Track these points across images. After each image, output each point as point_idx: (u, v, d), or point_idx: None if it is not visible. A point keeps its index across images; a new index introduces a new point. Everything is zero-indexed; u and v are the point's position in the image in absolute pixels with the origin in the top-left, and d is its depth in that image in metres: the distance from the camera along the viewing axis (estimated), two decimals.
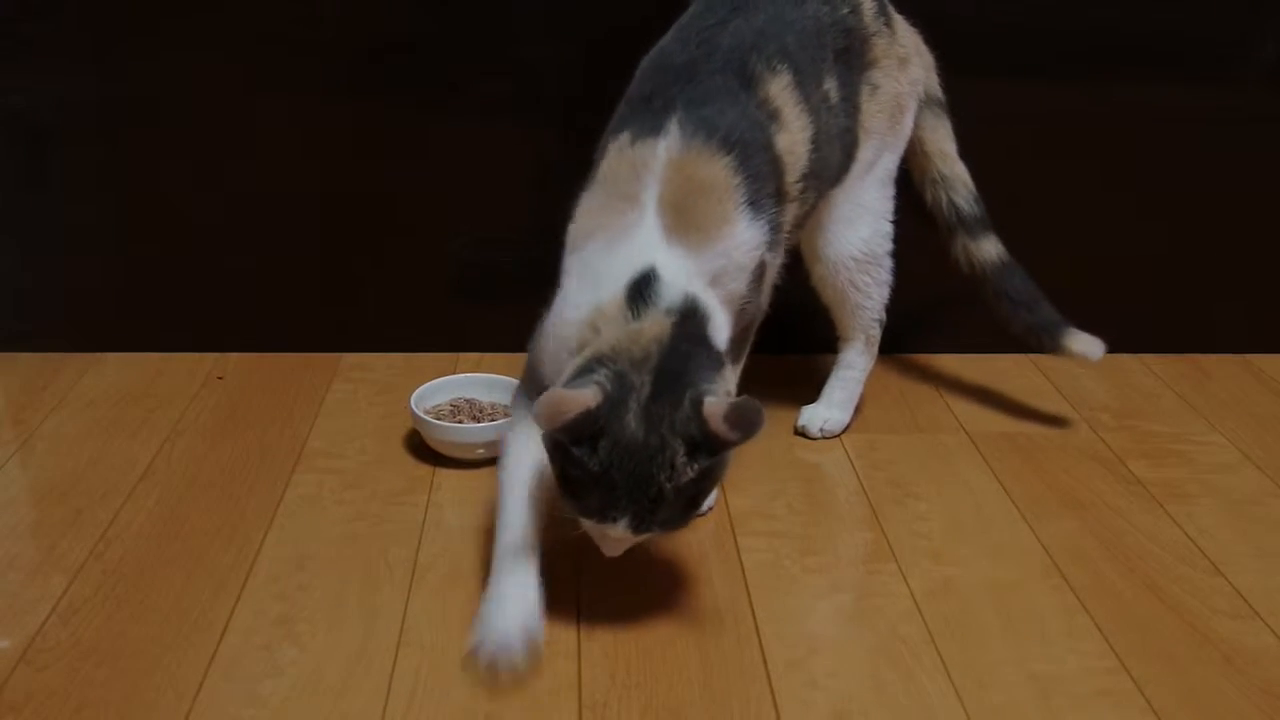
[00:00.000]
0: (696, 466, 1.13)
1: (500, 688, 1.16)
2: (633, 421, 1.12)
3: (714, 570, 1.34)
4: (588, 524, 1.18)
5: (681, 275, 1.22)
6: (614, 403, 1.12)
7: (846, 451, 1.63)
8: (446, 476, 1.54)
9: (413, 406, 1.57)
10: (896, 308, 1.62)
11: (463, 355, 1.85)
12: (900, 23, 1.55)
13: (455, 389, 1.65)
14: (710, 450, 1.14)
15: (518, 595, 1.21)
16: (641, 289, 1.19)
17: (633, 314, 1.19)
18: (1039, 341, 1.66)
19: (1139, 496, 1.54)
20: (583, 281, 1.25)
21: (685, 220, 1.25)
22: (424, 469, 1.56)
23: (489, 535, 1.41)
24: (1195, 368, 1.89)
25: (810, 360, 1.78)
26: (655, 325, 1.17)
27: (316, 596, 1.30)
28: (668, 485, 1.13)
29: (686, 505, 1.17)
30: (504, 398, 1.63)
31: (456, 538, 1.41)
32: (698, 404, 1.13)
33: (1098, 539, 1.44)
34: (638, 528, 1.15)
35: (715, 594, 1.32)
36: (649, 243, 1.23)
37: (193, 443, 1.61)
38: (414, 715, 1.13)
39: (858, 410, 1.69)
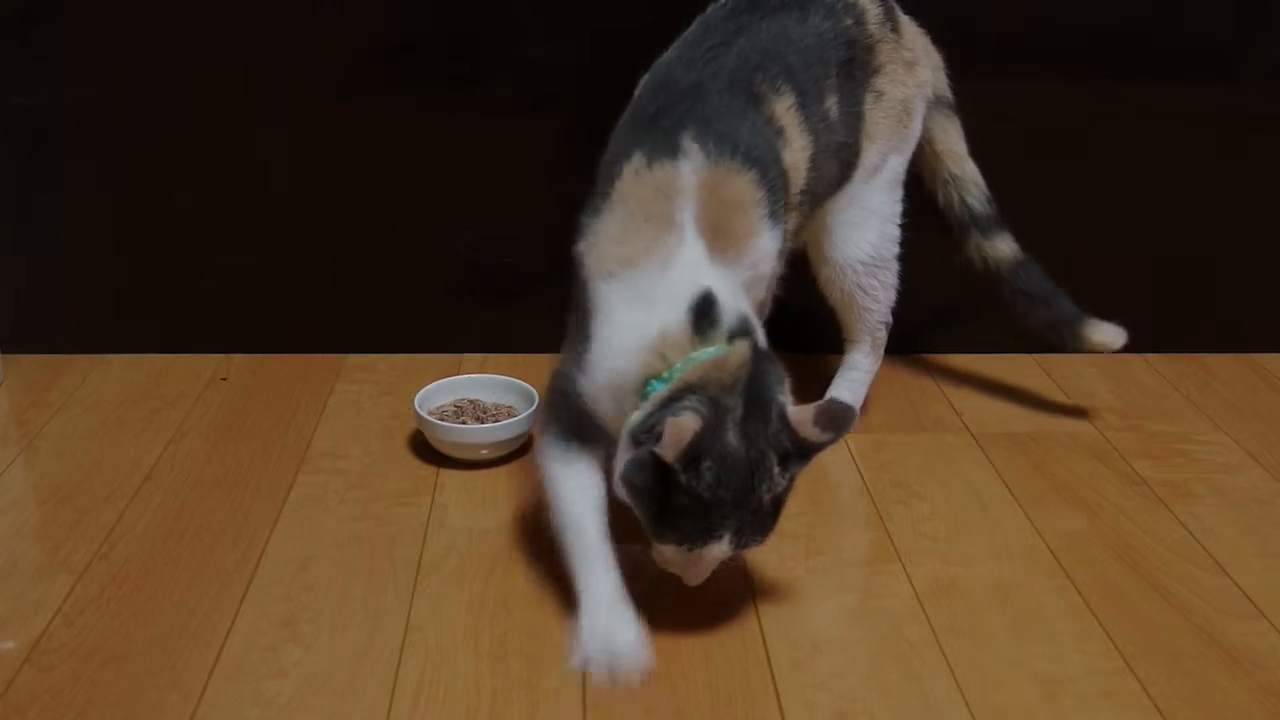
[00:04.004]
0: (789, 474, 1.18)
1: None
2: (733, 439, 1.15)
3: (718, 571, 1.34)
4: (679, 553, 1.19)
5: (731, 295, 1.24)
6: (712, 425, 1.14)
7: (851, 452, 1.63)
8: (450, 477, 1.54)
9: (416, 407, 1.57)
10: (901, 307, 1.62)
11: (466, 356, 1.85)
12: (907, 25, 1.54)
13: (459, 390, 1.65)
14: (802, 456, 1.18)
15: (614, 616, 1.22)
16: (704, 312, 1.21)
17: (699, 338, 1.20)
18: (1059, 336, 1.65)
19: (1144, 496, 1.54)
20: (629, 312, 1.24)
21: (722, 238, 1.26)
22: (428, 470, 1.56)
23: (493, 535, 1.42)
24: (1200, 367, 1.89)
25: (816, 361, 1.78)
26: (738, 352, 1.19)
27: (321, 597, 1.30)
28: (766, 496, 1.17)
29: (775, 513, 1.20)
30: (507, 399, 1.64)
31: (461, 538, 1.41)
32: (783, 415, 1.18)
33: (1102, 539, 1.44)
34: (739, 543, 1.18)
35: (719, 594, 1.32)
36: (697, 265, 1.24)
37: (197, 444, 1.61)
38: (419, 715, 1.14)
39: (862, 410, 1.69)
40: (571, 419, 1.29)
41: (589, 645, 1.20)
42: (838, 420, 1.18)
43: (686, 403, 1.14)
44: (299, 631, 1.25)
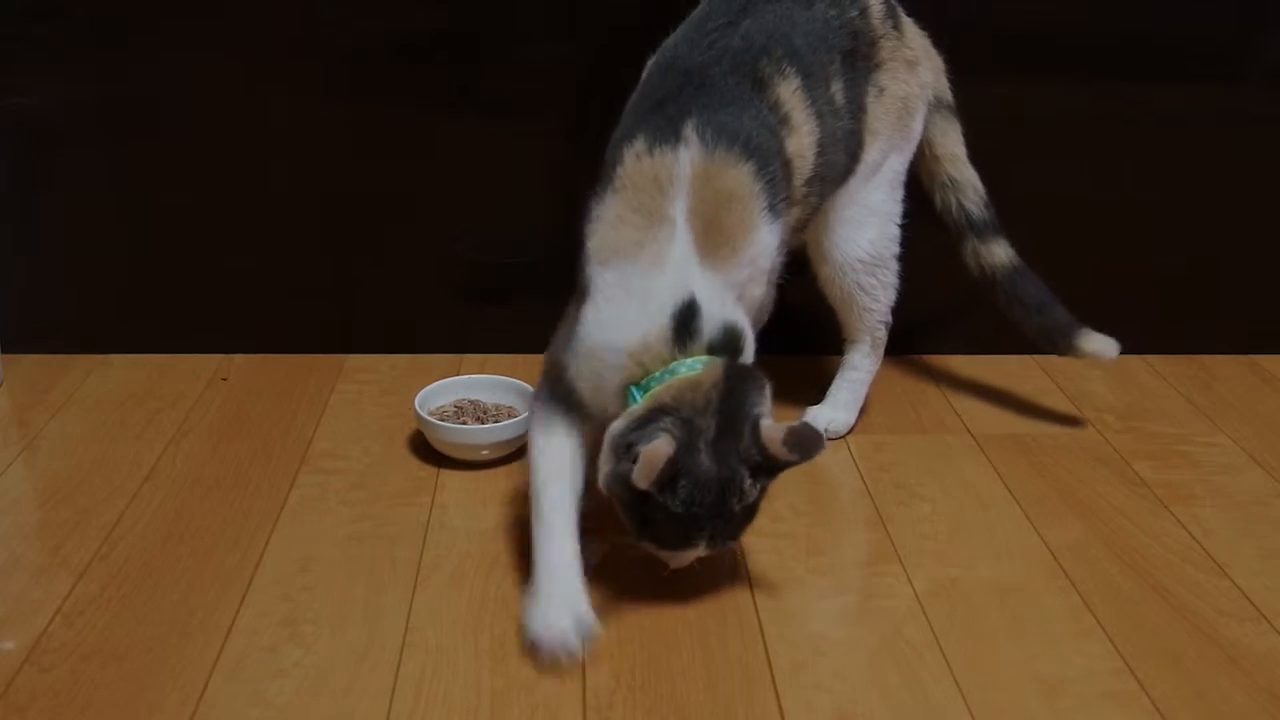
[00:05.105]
0: (759, 486, 1.23)
1: (562, 672, 1.20)
2: (705, 459, 1.19)
3: (718, 572, 1.34)
4: (662, 551, 1.27)
5: (717, 302, 1.26)
6: (686, 446, 1.18)
7: (851, 453, 1.63)
8: (450, 477, 1.54)
9: (417, 408, 1.57)
10: (901, 308, 1.62)
11: (467, 356, 1.85)
12: (909, 25, 1.55)
13: (459, 390, 1.65)
14: (770, 471, 1.23)
15: (564, 587, 1.25)
16: (685, 322, 1.23)
17: (678, 348, 1.23)
18: (1052, 344, 1.65)
19: (1144, 498, 1.54)
20: (617, 305, 1.26)
21: (715, 235, 1.27)
22: (428, 470, 1.56)
23: (493, 535, 1.42)
24: (1200, 369, 1.89)
25: (815, 361, 1.78)
26: (710, 372, 1.22)
27: (321, 597, 1.30)
28: (738, 507, 1.23)
29: (749, 517, 1.26)
30: (508, 399, 1.64)
31: (461, 538, 1.41)
32: (755, 430, 1.21)
33: (1102, 540, 1.44)
34: (713, 546, 1.25)
35: (720, 595, 1.32)
36: (686, 268, 1.25)
37: (198, 444, 1.61)
38: (419, 716, 1.13)
39: (862, 411, 1.69)
40: (559, 390, 1.33)
41: (536, 619, 1.22)
42: (805, 444, 1.21)
43: (661, 425, 1.19)
44: (299, 631, 1.25)
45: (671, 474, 1.17)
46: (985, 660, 1.23)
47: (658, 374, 1.23)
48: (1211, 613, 1.31)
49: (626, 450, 1.19)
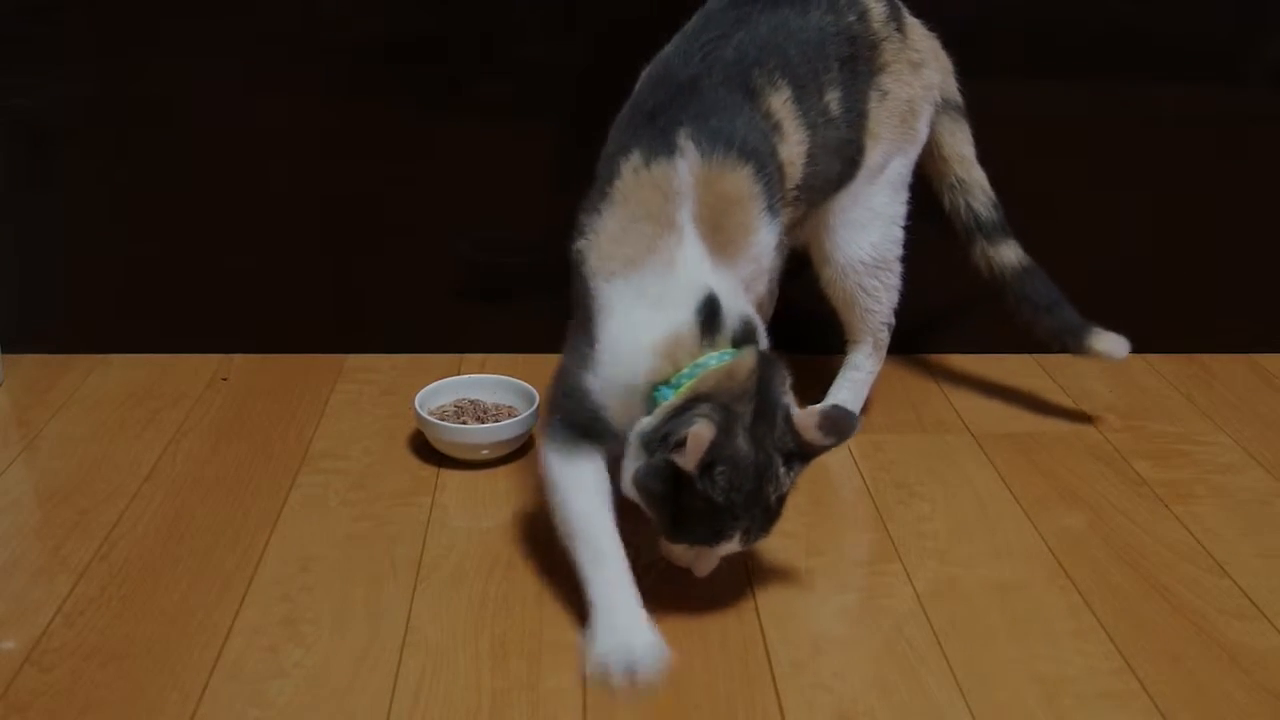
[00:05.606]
0: (793, 475, 1.23)
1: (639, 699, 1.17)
2: (744, 445, 1.18)
3: (718, 571, 1.34)
4: (689, 549, 1.25)
5: (732, 296, 1.26)
6: (725, 431, 1.17)
7: (851, 452, 1.63)
8: (450, 477, 1.54)
9: (417, 407, 1.57)
10: (903, 308, 1.62)
11: (467, 356, 1.86)
12: (915, 26, 1.54)
13: (459, 390, 1.65)
14: (804, 458, 1.23)
15: (626, 617, 1.21)
16: (710, 316, 1.23)
17: (706, 341, 1.23)
18: (1063, 344, 1.65)
19: (1144, 497, 1.54)
20: (640, 310, 1.25)
21: (721, 236, 1.27)
22: (428, 470, 1.56)
23: (493, 535, 1.42)
24: (1201, 368, 1.89)
25: (817, 361, 1.78)
26: (744, 361, 1.21)
27: (321, 597, 1.30)
28: (773, 496, 1.21)
29: (780, 510, 1.24)
30: (508, 399, 1.64)
31: (461, 538, 1.41)
32: (788, 418, 1.21)
33: (1103, 539, 1.44)
34: (747, 540, 1.23)
35: (720, 595, 1.32)
36: (699, 267, 1.25)
37: (198, 444, 1.61)
38: (419, 716, 1.13)
39: (863, 411, 1.69)
40: (579, 418, 1.28)
41: (607, 650, 1.18)
42: (839, 426, 1.21)
43: (699, 410, 1.17)
44: (299, 631, 1.25)
45: (711, 459, 1.15)
46: (985, 659, 1.23)
47: (686, 370, 1.22)
48: (1212, 611, 1.31)
49: (662, 442, 1.16)
